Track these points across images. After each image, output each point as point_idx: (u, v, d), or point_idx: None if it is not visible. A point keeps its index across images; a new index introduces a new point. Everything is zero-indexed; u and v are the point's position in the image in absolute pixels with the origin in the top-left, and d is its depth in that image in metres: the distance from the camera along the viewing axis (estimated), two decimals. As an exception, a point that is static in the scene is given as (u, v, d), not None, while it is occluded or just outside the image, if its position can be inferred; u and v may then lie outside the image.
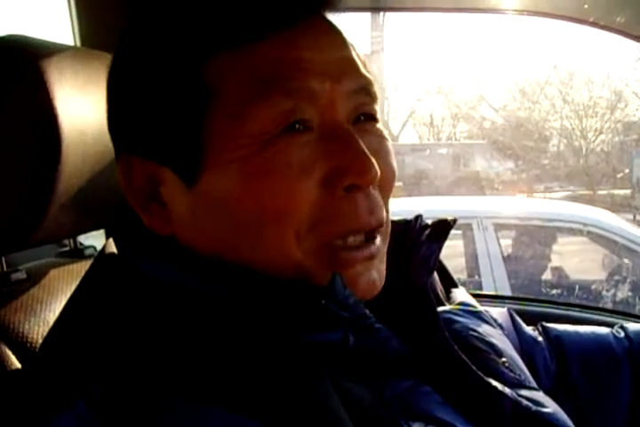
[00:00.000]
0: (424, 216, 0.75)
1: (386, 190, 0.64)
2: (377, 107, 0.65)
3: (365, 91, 0.63)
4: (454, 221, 0.72)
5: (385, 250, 0.65)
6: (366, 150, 0.59)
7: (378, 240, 0.63)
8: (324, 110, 0.60)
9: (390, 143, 0.66)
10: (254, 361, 0.55)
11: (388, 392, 0.60)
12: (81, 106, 0.80)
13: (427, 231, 0.72)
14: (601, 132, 13.76)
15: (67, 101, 0.77)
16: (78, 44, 1.18)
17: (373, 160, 0.59)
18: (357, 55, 0.65)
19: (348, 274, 0.60)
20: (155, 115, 0.61)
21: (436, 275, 0.79)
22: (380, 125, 0.66)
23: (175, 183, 0.62)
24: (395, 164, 0.65)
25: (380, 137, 0.65)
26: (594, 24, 1.09)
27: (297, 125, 0.59)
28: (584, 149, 13.44)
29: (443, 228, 0.72)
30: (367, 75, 0.64)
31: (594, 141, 13.72)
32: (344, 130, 0.61)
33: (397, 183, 0.65)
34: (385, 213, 0.64)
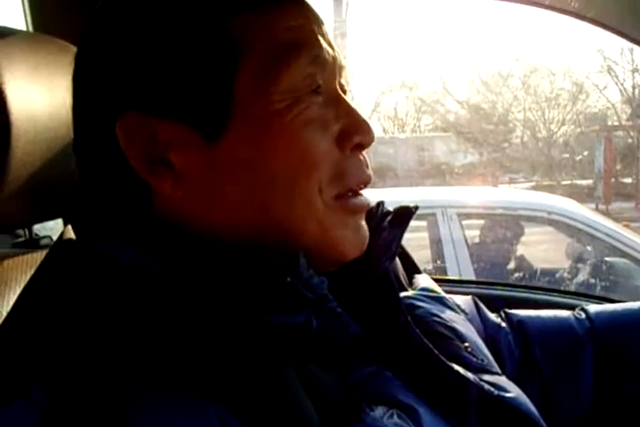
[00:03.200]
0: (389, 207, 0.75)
1: None
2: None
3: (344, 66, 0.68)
4: (416, 207, 0.73)
5: None
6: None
7: None
8: (328, 78, 0.65)
9: None
10: (215, 345, 0.54)
11: (350, 378, 0.60)
12: (31, 92, 0.78)
13: (388, 218, 0.72)
14: (563, 124, 13.96)
15: (16, 87, 0.75)
16: (30, 29, 1.16)
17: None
18: None
19: (355, 222, 0.66)
20: (176, 71, 0.60)
21: (398, 261, 0.79)
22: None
23: (190, 143, 0.60)
24: None
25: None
26: (550, 7, 1.10)
27: (316, 88, 0.63)
28: (547, 140, 13.62)
29: (404, 214, 0.72)
30: None
31: (557, 132, 13.92)
32: (342, 97, 0.66)
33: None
34: None
